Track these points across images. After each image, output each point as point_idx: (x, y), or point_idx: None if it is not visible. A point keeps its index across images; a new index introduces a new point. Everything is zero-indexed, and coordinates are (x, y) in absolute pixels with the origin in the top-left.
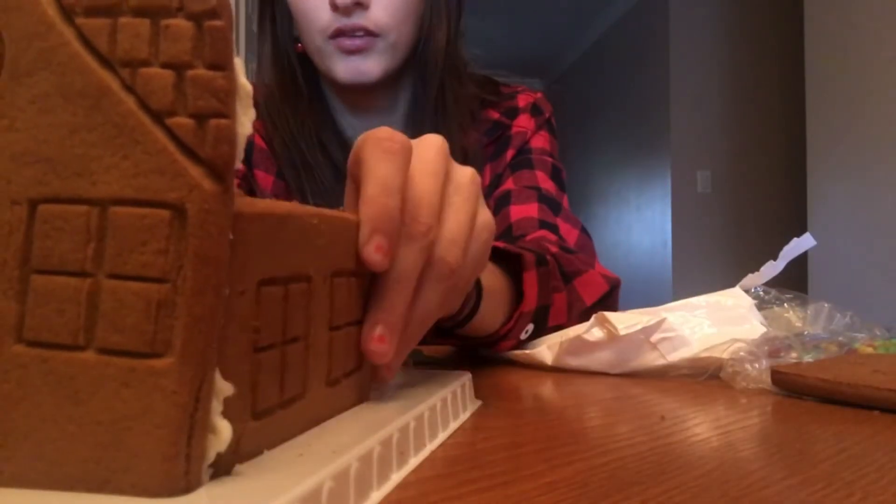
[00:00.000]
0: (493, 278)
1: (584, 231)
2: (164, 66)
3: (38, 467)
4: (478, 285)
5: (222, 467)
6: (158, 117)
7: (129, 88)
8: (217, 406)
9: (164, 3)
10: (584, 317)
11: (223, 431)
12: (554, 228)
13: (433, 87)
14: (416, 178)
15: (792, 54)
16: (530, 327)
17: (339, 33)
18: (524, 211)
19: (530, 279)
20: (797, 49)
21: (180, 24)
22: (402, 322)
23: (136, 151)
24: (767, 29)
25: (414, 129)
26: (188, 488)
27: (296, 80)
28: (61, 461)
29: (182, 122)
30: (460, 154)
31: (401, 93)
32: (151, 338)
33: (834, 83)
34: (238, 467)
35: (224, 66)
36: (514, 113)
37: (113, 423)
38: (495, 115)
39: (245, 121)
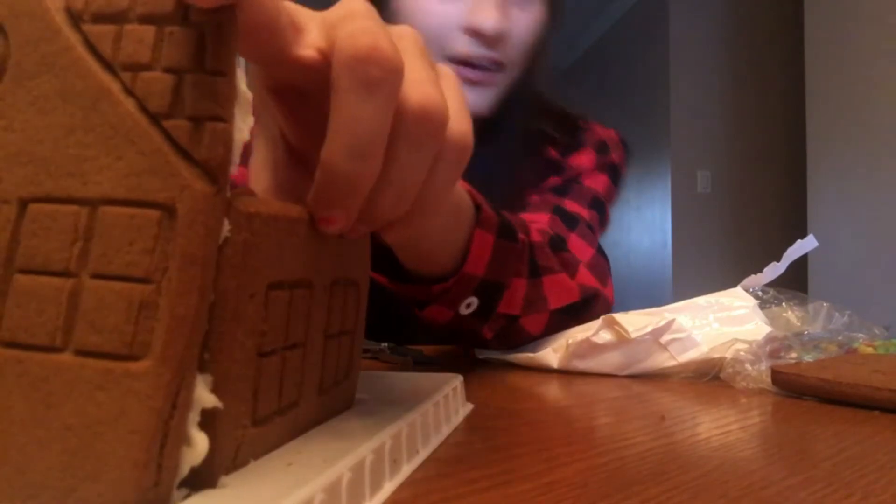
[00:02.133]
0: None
1: (600, 252)
2: (166, 70)
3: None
4: None
5: (207, 479)
6: (156, 119)
7: (129, 91)
8: (194, 417)
9: (170, 11)
10: (546, 319)
11: (199, 444)
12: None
13: (509, 117)
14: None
15: (792, 54)
16: (473, 301)
17: (465, 61)
18: (532, 218)
19: (482, 241)
20: (797, 49)
21: (184, 30)
22: (359, 205)
23: (131, 152)
24: (767, 29)
25: (477, 159)
26: (157, 501)
27: None
28: (25, 468)
29: (179, 124)
30: (507, 184)
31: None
32: (130, 339)
33: (834, 83)
34: (223, 478)
35: (225, 72)
36: (574, 150)
37: (84, 428)
38: (553, 154)
39: (243, 127)
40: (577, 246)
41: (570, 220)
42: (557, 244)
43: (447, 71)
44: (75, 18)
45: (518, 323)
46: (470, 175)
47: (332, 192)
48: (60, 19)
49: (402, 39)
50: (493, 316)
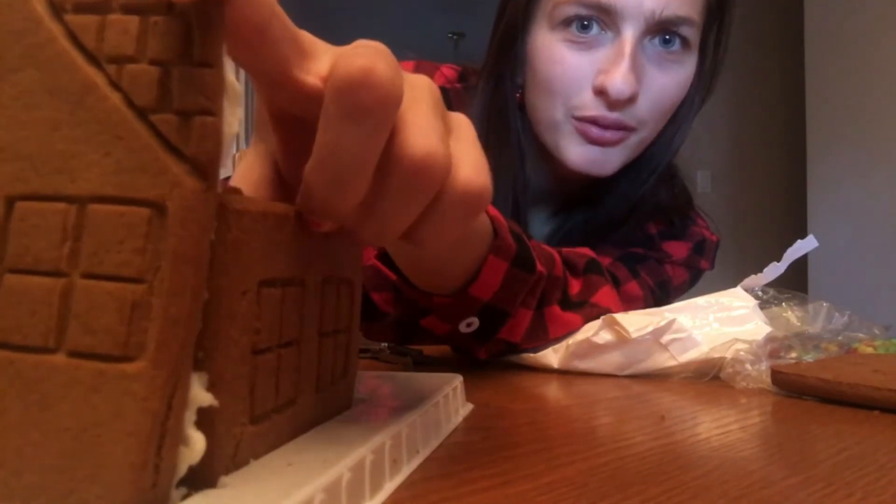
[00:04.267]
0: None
1: (649, 294)
2: (152, 62)
3: None
4: None
5: (207, 478)
6: (143, 114)
7: (115, 85)
8: (191, 416)
9: (154, 0)
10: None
11: (196, 443)
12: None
13: (639, 186)
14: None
15: (792, 54)
16: (474, 322)
17: (591, 121)
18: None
19: (495, 268)
20: (797, 49)
21: (169, 21)
22: (342, 218)
23: (119, 148)
24: (768, 29)
25: (585, 215)
26: (156, 502)
27: (507, 131)
28: (22, 470)
29: (167, 118)
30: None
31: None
32: (124, 340)
33: (834, 83)
34: (223, 479)
35: (213, 63)
36: (672, 236)
37: (81, 430)
38: (652, 230)
39: (233, 121)
40: (630, 286)
41: (633, 270)
42: (594, 267)
43: (464, 120)
44: (56, 8)
45: (516, 348)
46: (563, 229)
47: (313, 209)
48: (41, 10)
49: (415, 89)
50: (492, 340)
